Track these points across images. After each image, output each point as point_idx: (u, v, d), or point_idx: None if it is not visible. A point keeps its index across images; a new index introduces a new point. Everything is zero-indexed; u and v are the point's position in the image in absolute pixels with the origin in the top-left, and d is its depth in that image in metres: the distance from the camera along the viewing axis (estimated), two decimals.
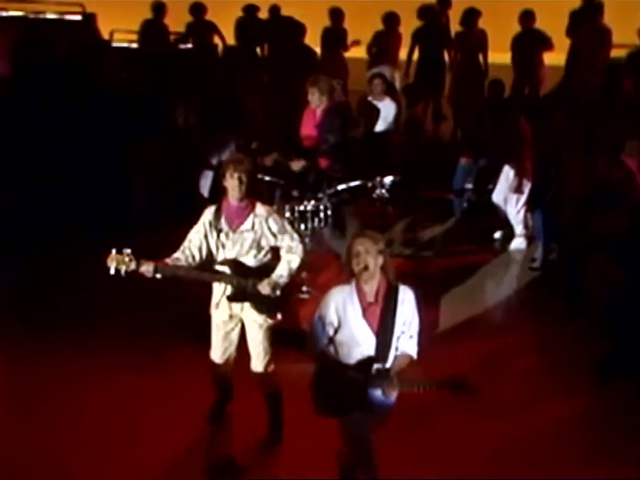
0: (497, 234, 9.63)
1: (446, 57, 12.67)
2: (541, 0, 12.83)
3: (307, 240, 7.64)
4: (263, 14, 13.10)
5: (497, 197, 9.52)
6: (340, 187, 7.85)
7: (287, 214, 7.61)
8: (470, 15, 12.05)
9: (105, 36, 14.12)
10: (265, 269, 5.63)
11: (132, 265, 5.42)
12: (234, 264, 5.60)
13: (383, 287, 4.96)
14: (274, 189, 8.11)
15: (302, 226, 7.65)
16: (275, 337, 6.33)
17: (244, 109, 10.04)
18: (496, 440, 5.96)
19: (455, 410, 5.79)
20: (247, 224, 5.60)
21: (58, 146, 9.73)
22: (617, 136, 8.85)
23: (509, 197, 9.38)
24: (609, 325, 7.23)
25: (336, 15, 12.67)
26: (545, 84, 12.22)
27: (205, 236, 5.66)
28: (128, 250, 5.46)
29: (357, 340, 4.96)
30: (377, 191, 7.75)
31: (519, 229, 9.44)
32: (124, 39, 14.07)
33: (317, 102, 8.20)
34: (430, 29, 12.35)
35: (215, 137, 9.80)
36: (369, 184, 7.73)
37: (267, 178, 7.92)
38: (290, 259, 5.60)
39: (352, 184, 7.81)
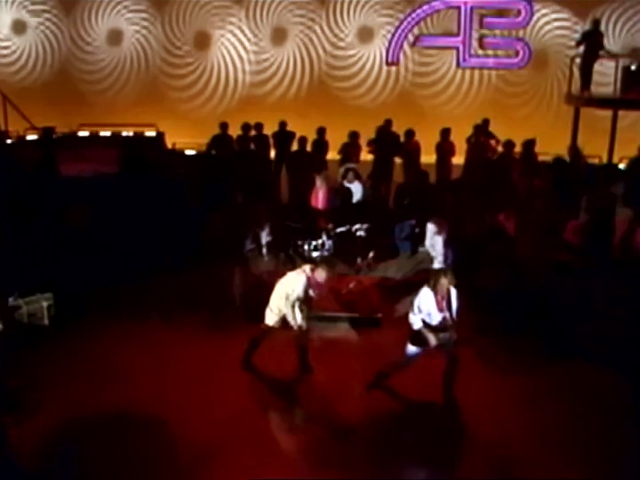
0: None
1: None
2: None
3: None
4: None
5: (427, 242, 11.67)
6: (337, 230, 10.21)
7: (305, 247, 9.90)
8: (410, 133, 14.15)
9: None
10: None
11: None
12: None
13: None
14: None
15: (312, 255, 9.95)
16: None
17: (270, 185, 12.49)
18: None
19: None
20: None
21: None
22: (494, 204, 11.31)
23: (434, 240, 11.49)
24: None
25: (321, 131, 14.32)
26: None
27: None
28: None
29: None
30: (358, 233, 10.06)
31: (438, 259, 11.32)
32: (182, 147, 16.20)
33: (321, 186, 10.91)
34: (384, 140, 14.21)
35: (253, 205, 11.79)
36: (353, 229, 10.05)
37: (293, 225, 10.28)
38: None
39: (343, 229, 10.11)
